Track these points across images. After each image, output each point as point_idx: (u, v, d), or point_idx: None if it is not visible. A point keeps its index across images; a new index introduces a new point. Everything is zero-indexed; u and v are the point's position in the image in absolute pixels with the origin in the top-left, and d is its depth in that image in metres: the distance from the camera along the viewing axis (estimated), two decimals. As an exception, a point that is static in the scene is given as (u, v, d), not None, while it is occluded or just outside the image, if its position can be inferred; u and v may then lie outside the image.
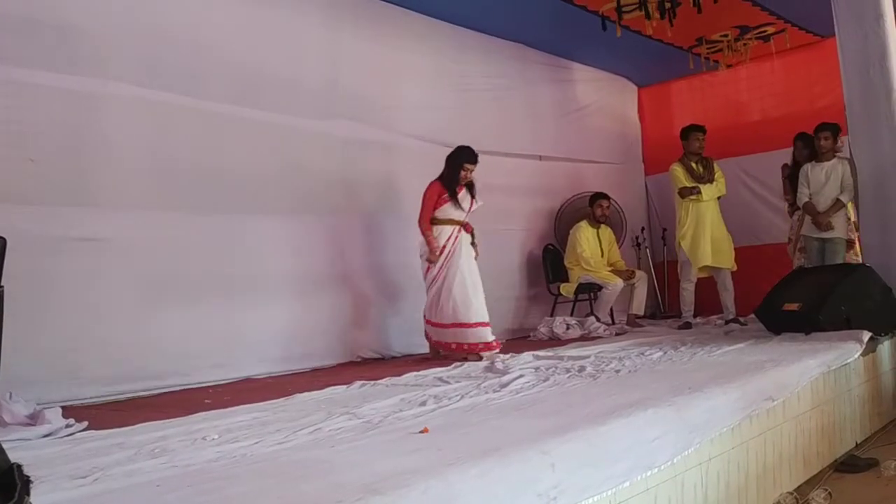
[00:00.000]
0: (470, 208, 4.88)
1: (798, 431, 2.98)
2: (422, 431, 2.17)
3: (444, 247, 4.74)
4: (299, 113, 4.99)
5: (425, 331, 4.91)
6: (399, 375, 3.81)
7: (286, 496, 1.56)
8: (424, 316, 4.88)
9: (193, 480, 1.75)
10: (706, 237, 5.86)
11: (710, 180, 5.93)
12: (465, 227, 4.88)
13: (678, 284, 6.20)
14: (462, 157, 4.77)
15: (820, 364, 3.27)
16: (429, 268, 4.77)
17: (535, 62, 7.01)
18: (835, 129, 5.45)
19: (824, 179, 5.44)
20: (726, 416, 2.49)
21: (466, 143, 4.84)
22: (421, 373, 3.89)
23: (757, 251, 7.19)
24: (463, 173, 4.76)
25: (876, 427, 3.75)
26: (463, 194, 4.82)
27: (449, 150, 4.86)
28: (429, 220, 4.76)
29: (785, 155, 6.24)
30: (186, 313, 4.23)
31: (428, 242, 4.73)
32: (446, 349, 4.75)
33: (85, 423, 2.85)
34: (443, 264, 4.73)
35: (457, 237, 4.80)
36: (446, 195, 4.76)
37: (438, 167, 4.84)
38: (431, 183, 4.79)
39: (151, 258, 4.13)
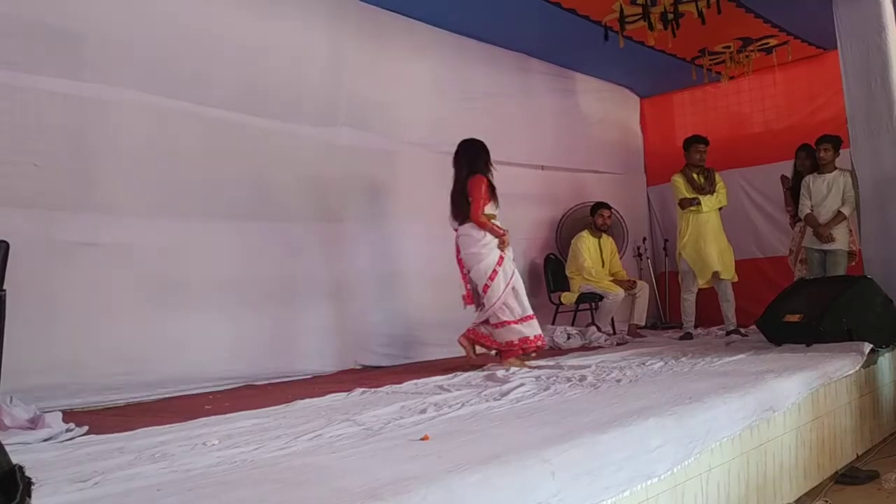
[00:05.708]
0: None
1: (798, 442, 2.98)
2: (422, 439, 2.16)
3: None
4: (302, 120, 5.01)
5: (475, 335, 4.55)
6: (400, 383, 3.82)
7: (286, 501, 1.56)
8: (489, 321, 4.49)
9: (194, 485, 1.75)
10: (709, 247, 5.84)
11: (712, 191, 5.91)
12: None
13: (679, 295, 6.19)
14: (485, 147, 4.54)
15: (821, 375, 3.27)
16: (499, 262, 4.45)
17: (537, 72, 7.03)
18: (836, 142, 5.46)
19: (826, 191, 5.45)
20: (727, 427, 2.49)
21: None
22: (421, 381, 3.89)
23: (758, 262, 7.20)
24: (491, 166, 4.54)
25: (877, 439, 3.74)
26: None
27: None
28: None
29: (786, 167, 6.25)
30: (189, 319, 4.25)
31: (494, 232, 4.45)
32: (508, 348, 4.41)
33: (85, 428, 2.85)
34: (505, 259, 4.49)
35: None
36: (488, 192, 4.46)
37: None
38: (478, 176, 4.45)
39: (154, 264, 4.15)
